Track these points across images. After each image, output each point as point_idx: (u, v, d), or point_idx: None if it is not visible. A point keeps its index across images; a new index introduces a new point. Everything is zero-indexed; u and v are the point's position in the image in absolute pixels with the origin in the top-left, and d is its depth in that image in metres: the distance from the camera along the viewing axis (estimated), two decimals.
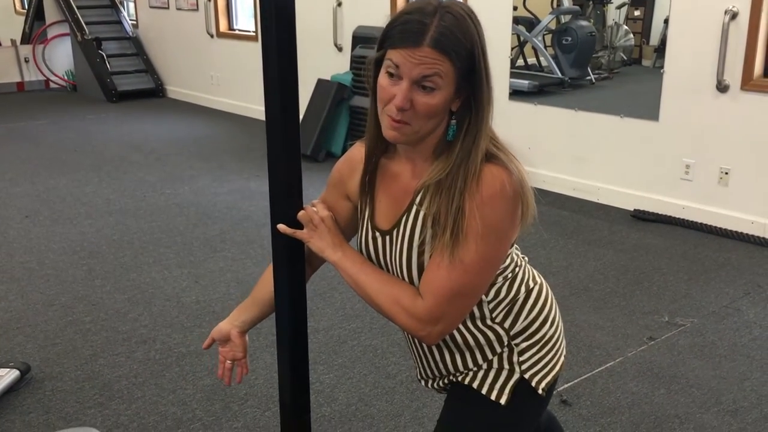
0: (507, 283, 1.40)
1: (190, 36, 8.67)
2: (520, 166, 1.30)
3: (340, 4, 6.66)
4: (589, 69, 5.31)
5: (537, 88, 5.39)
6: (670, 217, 4.58)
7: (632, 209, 4.75)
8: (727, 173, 4.36)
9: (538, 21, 5.49)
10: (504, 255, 1.34)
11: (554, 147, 5.19)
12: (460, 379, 1.46)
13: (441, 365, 1.48)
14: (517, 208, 1.28)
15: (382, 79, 1.26)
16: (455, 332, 1.41)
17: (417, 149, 1.33)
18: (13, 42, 10.20)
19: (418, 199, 1.33)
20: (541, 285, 1.48)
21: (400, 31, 1.23)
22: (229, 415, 2.58)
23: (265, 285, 1.54)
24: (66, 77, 9.97)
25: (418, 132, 1.27)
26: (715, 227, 4.38)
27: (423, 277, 1.32)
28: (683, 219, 4.53)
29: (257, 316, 1.56)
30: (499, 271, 1.37)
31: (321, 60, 6.66)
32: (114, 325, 3.24)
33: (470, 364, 1.44)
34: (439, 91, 1.23)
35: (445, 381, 1.50)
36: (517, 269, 1.42)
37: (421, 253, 1.33)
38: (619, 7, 5.35)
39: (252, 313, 1.55)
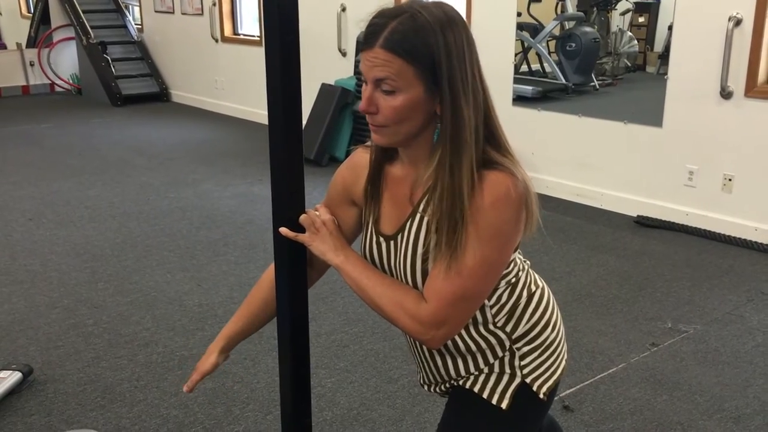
0: (509, 287, 1.40)
1: (194, 40, 8.70)
2: (524, 172, 1.29)
3: (344, 9, 6.67)
4: (593, 75, 5.31)
5: (541, 93, 5.40)
6: (673, 223, 4.57)
7: (635, 215, 4.75)
8: (730, 180, 4.35)
9: (542, 27, 5.49)
10: (507, 260, 1.34)
11: (558, 153, 5.19)
12: (461, 383, 1.46)
13: (443, 370, 1.48)
14: (521, 213, 1.27)
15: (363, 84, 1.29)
16: (457, 337, 1.41)
17: (415, 153, 1.33)
18: (18, 46, 10.25)
19: (421, 207, 1.33)
20: (542, 289, 1.48)
21: (363, 35, 1.26)
22: (231, 418, 2.58)
23: (257, 294, 1.53)
24: (71, 81, 10.00)
25: (397, 133, 1.28)
26: (719, 234, 4.37)
27: (427, 281, 1.31)
28: (686, 225, 4.52)
29: (248, 328, 1.55)
30: (502, 276, 1.37)
31: (325, 65, 6.67)
32: (116, 328, 3.24)
33: (472, 369, 1.44)
34: (400, 93, 1.23)
35: (447, 386, 1.50)
36: (520, 273, 1.42)
37: (425, 260, 1.32)
38: (623, 14, 5.35)
39: (242, 323, 1.54)
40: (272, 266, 1.47)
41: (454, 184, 1.23)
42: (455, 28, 1.23)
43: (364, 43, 1.24)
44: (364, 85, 1.28)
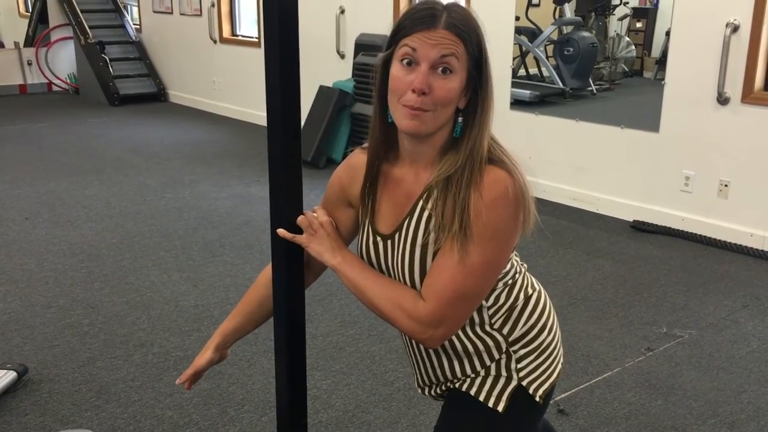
0: (507, 289, 1.41)
1: (192, 41, 8.70)
2: (523, 171, 1.31)
3: (343, 12, 6.68)
4: (590, 80, 5.33)
5: (538, 98, 5.41)
6: (669, 228, 4.58)
7: (632, 220, 4.76)
8: (726, 185, 4.37)
9: (540, 31, 5.51)
10: (506, 260, 1.35)
11: (555, 157, 5.20)
12: (457, 385, 1.46)
13: (439, 372, 1.48)
14: (519, 212, 1.28)
15: (396, 70, 1.28)
16: (454, 338, 1.41)
17: (422, 151, 1.34)
18: (16, 44, 10.23)
19: (424, 198, 1.34)
20: (539, 292, 1.49)
21: (414, 20, 1.27)
22: (226, 419, 2.58)
23: (254, 293, 1.54)
24: (68, 80, 9.99)
25: (435, 120, 1.28)
26: (714, 239, 4.38)
27: (425, 281, 1.32)
28: (682, 230, 4.53)
29: (244, 326, 1.56)
30: (499, 277, 1.37)
31: (323, 67, 6.68)
32: (112, 328, 3.23)
33: (468, 371, 1.44)
34: (455, 75, 1.26)
35: (443, 388, 1.51)
36: (517, 275, 1.43)
37: (423, 256, 1.33)
38: (621, 19, 5.37)
39: (238, 321, 1.56)
40: (269, 266, 1.48)
41: (474, 170, 1.26)
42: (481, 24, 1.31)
43: (423, 23, 1.25)
44: (405, 67, 1.26)
